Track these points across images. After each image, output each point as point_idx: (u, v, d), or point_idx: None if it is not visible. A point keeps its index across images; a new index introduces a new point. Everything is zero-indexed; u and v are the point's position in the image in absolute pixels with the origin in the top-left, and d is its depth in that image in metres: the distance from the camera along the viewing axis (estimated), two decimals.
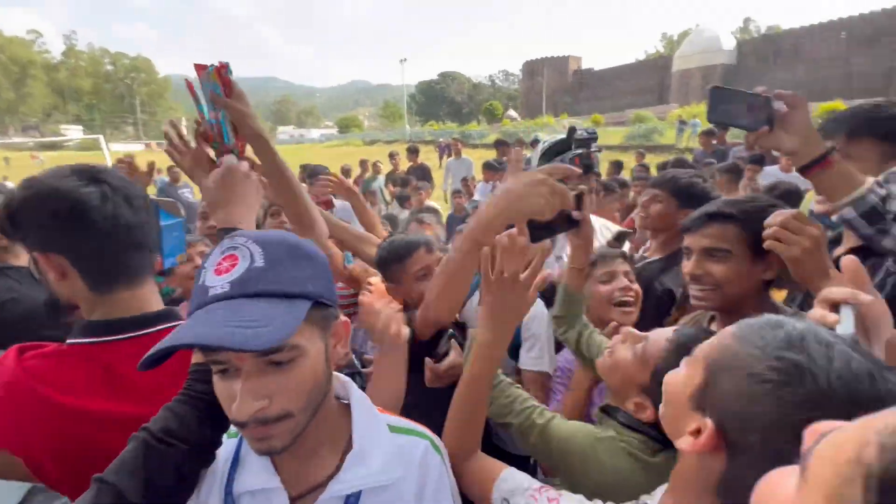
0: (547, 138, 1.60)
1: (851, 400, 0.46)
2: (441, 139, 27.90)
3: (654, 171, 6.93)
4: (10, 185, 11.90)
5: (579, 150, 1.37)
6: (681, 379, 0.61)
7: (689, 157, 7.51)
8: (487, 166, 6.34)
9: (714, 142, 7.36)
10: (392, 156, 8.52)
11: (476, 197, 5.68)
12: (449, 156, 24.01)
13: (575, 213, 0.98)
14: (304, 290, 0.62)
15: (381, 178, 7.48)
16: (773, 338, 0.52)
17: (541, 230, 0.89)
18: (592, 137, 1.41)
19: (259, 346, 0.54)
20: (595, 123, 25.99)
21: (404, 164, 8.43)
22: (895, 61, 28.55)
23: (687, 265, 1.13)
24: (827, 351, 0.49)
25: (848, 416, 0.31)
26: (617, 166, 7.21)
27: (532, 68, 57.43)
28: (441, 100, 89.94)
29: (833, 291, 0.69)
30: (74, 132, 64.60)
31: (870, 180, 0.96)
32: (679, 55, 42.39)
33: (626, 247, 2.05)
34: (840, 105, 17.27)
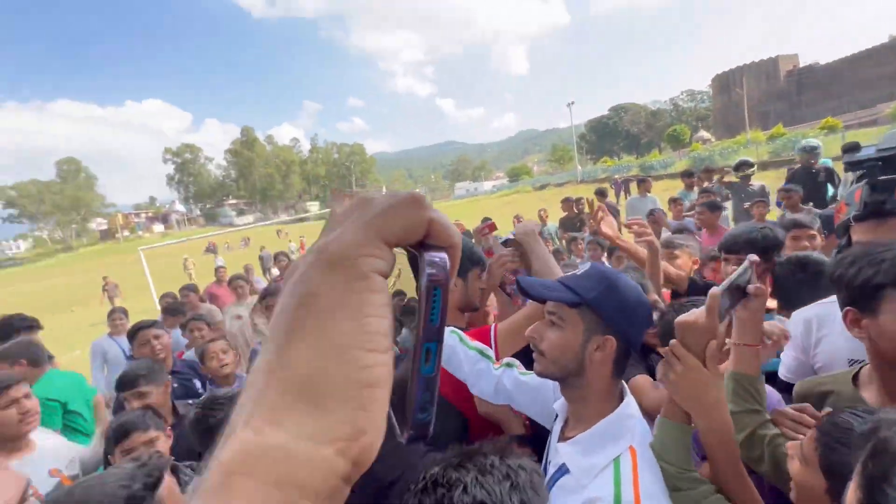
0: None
1: None
2: (617, 175, 26.11)
3: None
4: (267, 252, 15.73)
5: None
6: None
7: None
8: (674, 202, 5.44)
9: None
10: (568, 200, 8.05)
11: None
12: (626, 192, 22.05)
13: (749, 287, 0.92)
14: (586, 295, 0.91)
15: (552, 225, 7.52)
16: None
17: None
18: None
19: (536, 295, 0.97)
20: (829, 130, 20.26)
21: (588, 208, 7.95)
22: None
23: None
24: None
25: None
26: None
27: (726, 80, 49.62)
28: (614, 134, 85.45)
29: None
30: (313, 207, 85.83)
31: None
32: None
33: None
34: None
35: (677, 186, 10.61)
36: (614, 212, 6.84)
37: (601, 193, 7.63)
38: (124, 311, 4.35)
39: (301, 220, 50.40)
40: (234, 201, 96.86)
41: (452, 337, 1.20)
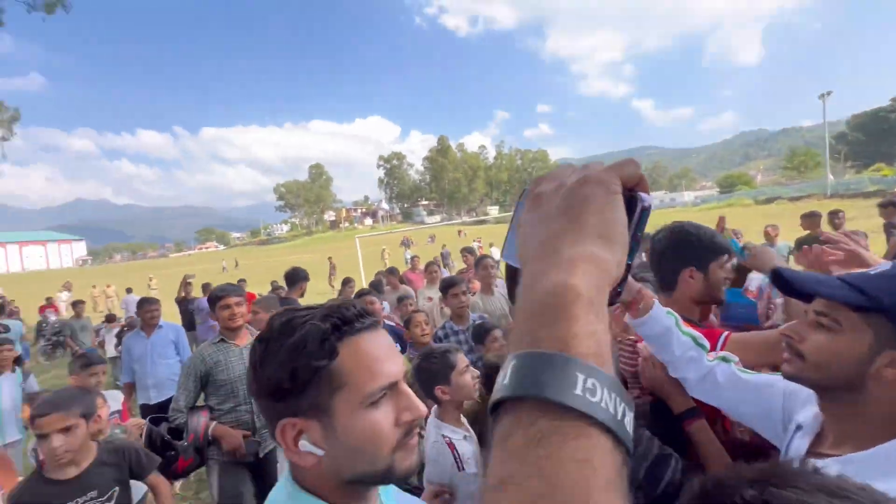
0: None
1: None
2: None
3: None
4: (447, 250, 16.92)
5: None
6: None
7: None
8: None
9: None
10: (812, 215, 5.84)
11: None
12: None
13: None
14: (880, 298, 0.76)
15: (783, 244, 5.99)
16: None
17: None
18: None
19: (800, 289, 0.84)
20: None
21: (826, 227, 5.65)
22: None
23: None
24: None
25: None
26: None
27: None
28: (893, 134, 61.77)
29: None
30: (493, 211, 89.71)
31: None
32: None
33: None
34: None
35: None
36: None
37: (888, 205, 5.22)
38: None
39: (481, 222, 53.04)
40: (426, 202, 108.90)
41: (670, 319, 1.14)
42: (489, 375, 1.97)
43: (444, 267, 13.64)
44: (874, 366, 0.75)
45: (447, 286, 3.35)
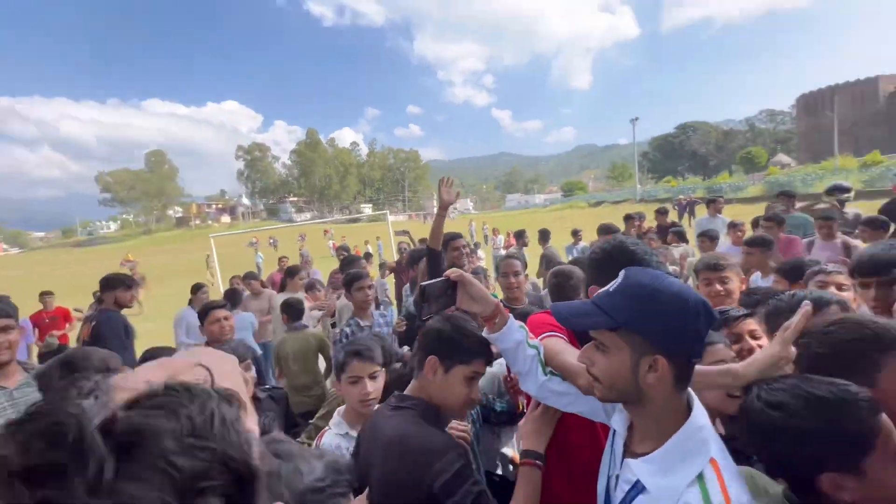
0: None
1: None
2: (681, 195, 24.68)
3: None
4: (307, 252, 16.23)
5: None
6: None
7: None
8: (734, 226, 4.95)
9: None
10: (630, 217, 7.66)
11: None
12: (691, 214, 20.64)
13: None
14: (619, 317, 0.85)
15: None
16: None
17: None
18: None
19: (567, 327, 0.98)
20: None
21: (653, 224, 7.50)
22: None
23: None
24: None
25: None
26: None
27: (814, 101, 45.60)
28: (680, 153, 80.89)
29: None
30: (366, 209, 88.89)
31: None
32: None
33: None
34: None
35: (748, 211, 9.78)
36: (677, 231, 6.37)
37: (662, 213, 7.22)
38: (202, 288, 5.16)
39: (354, 220, 52.14)
40: (294, 199, 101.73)
41: (521, 332, 1.19)
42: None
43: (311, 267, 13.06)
44: (640, 375, 0.84)
45: (352, 280, 3.19)
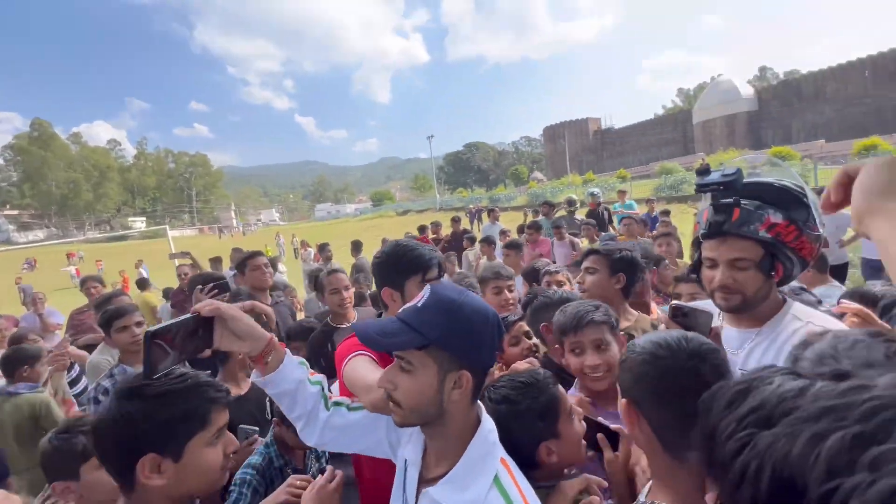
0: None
1: None
2: (471, 205, 28.81)
3: (678, 222, 6.89)
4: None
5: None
6: None
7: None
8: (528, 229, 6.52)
9: None
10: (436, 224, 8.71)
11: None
12: (480, 221, 24.28)
13: None
14: (430, 335, 0.82)
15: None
16: None
17: None
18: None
19: (374, 348, 0.89)
20: (621, 179, 26.18)
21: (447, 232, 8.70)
22: None
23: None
24: None
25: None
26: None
27: (553, 133, 59.86)
28: (468, 168, 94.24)
29: None
30: (138, 224, 71.78)
31: None
32: (699, 107, 43.18)
33: None
34: (878, 141, 16.75)
35: (519, 218, 12.43)
36: (470, 237, 7.74)
37: (456, 220, 8.60)
38: None
39: (121, 237, 41.45)
40: (13, 212, 73.91)
41: (301, 370, 1.05)
42: None
43: (28, 307, 9.57)
44: (445, 392, 0.83)
45: (111, 319, 2.40)
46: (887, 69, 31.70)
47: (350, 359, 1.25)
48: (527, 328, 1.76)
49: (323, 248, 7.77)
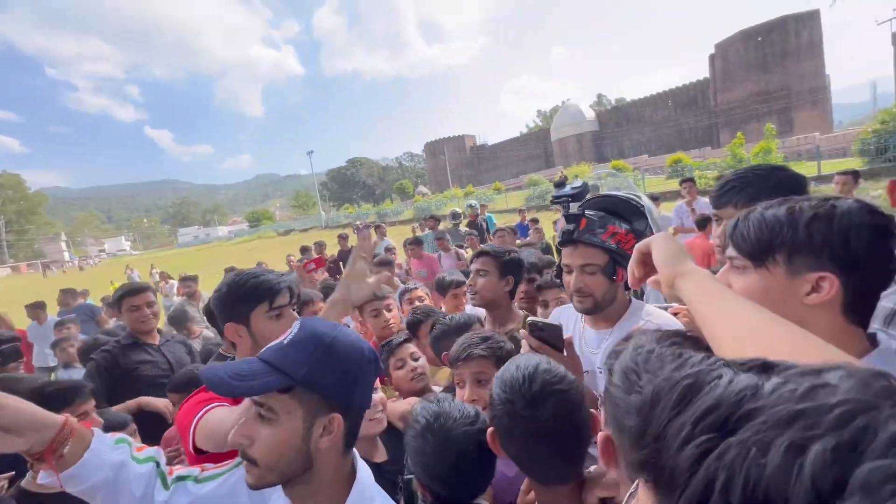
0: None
1: None
2: (358, 221, 28.40)
3: (548, 230, 7.94)
4: None
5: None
6: None
7: None
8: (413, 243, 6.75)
9: None
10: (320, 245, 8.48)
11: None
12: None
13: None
14: (297, 375, 0.72)
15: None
16: None
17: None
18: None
19: (227, 394, 0.71)
20: (497, 190, 28.55)
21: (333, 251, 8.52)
22: (711, 119, 36.65)
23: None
24: None
25: None
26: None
27: (433, 148, 62.56)
28: (353, 184, 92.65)
29: None
30: None
31: None
32: (554, 127, 49.48)
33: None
34: (682, 156, 21.32)
35: (407, 232, 12.74)
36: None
37: (343, 238, 8.49)
38: None
39: None
40: None
41: (120, 449, 0.83)
42: None
43: None
44: (312, 441, 0.73)
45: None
46: (685, 99, 40.71)
47: (202, 414, 1.06)
48: (413, 349, 1.69)
49: (186, 281, 6.04)
